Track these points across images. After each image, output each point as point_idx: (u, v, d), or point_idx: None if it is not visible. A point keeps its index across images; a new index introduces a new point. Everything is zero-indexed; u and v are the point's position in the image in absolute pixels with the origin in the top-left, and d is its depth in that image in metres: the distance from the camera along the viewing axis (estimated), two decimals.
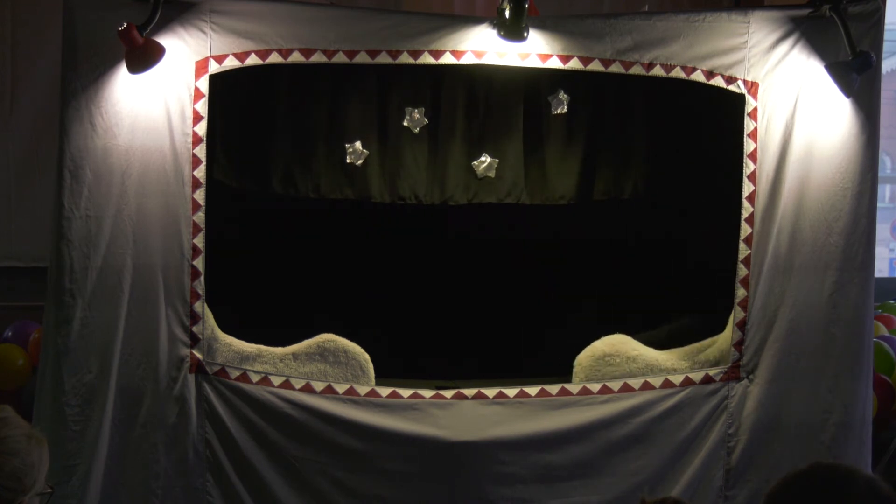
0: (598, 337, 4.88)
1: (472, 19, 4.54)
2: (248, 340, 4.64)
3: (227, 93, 4.67)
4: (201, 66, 4.33)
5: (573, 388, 4.64)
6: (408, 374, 4.89)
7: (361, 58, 4.44)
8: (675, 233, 5.49)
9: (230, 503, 4.44)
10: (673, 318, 5.53)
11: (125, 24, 4.04)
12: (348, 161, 4.91)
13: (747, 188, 4.57)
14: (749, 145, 4.57)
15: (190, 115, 4.32)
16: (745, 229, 4.59)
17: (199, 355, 4.39)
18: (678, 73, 4.55)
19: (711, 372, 4.66)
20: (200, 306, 4.39)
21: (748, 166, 4.57)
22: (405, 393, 4.54)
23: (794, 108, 4.57)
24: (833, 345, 4.62)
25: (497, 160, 4.98)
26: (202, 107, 4.34)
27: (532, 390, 4.60)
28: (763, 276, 4.59)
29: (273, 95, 4.91)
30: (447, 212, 5.13)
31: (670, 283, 5.62)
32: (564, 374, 4.85)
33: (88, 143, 4.25)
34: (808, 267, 4.60)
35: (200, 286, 4.38)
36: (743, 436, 4.64)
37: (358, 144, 4.90)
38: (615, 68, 4.53)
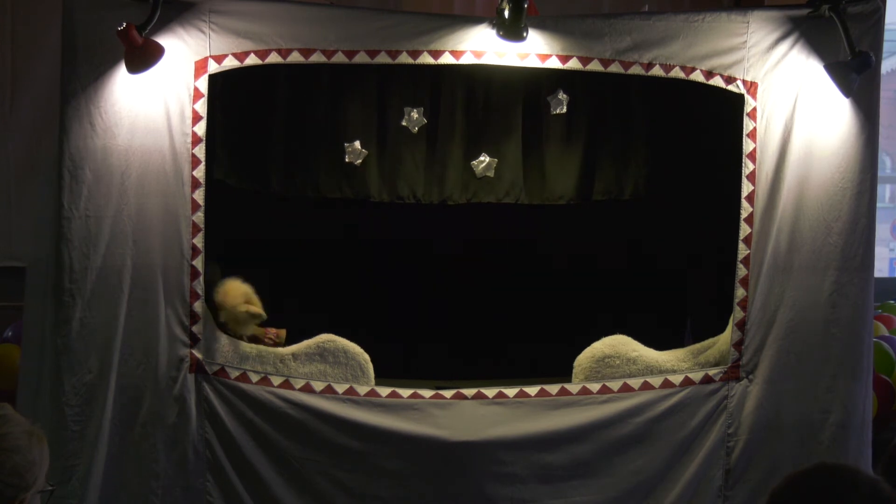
0: (598, 337, 4.88)
1: (472, 19, 4.55)
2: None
3: (226, 93, 4.67)
4: (200, 66, 4.33)
5: (573, 388, 4.64)
6: (408, 374, 4.88)
7: (360, 58, 4.44)
8: (675, 233, 5.50)
9: (230, 503, 4.44)
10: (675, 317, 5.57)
11: (125, 24, 4.04)
12: (347, 161, 4.91)
13: (746, 188, 4.58)
14: (748, 145, 4.57)
15: (189, 115, 4.33)
16: (745, 229, 4.59)
17: (198, 355, 4.39)
18: (677, 73, 4.55)
19: (711, 372, 4.66)
20: (200, 306, 4.40)
21: (747, 166, 4.58)
22: (405, 393, 4.54)
23: (794, 108, 4.57)
24: (833, 345, 4.62)
25: (496, 160, 4.98)
26: (201, 107, 4.35)
27: (532, 390, 4.60)
28: (762, 276, 4.60)
29: (272, 95, 4.91)
30: (446, 211, 5.13)
31: (670, 283, 5.63)
32: (564, 375, 4.85)
33: (88, 144, 4.26)
34: (807, 267, 4.61)
35: (200, 286, 4.38)
36: (742, 436, 4.64)
37: (357, 144, 4.90)
38: (614, 68, 4.54)
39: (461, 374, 5.09)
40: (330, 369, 4.63)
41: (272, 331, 4.75)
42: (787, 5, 4.67)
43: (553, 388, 4.62)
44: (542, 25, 4.50)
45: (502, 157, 4.99)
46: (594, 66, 4.53)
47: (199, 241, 4.36)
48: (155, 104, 4.31)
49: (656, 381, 4.65)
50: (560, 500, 4.58)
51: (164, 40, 4.24)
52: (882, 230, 8.79)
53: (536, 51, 4.50)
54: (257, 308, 4.66)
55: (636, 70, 4.54)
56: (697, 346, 4.91)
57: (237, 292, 4.65)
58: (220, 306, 4.62)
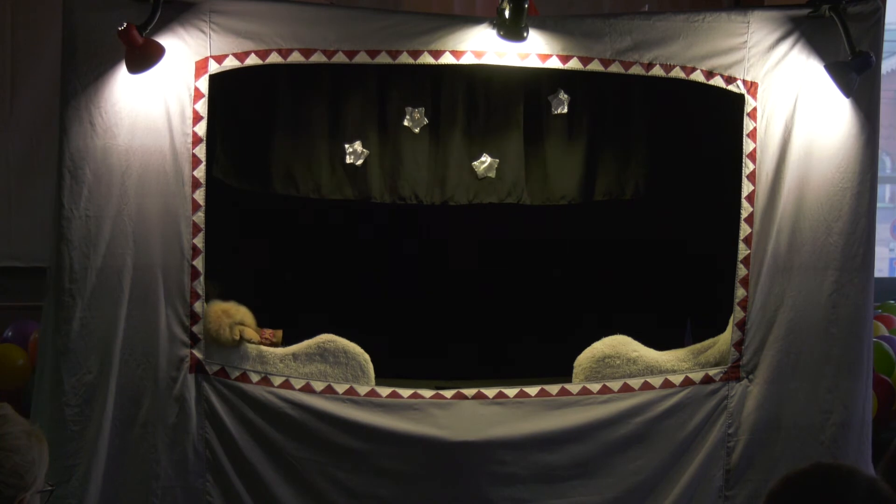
0: (598, 337, 4.88)
1: (472, 19, 4.55)
2: None
3: (227, 93, 4.67)
4: (201, 67, 4.34)
5: (573, 388, 4.64)
6: (408, 374, 4.88)
7: (361, 58, 4.44)
8: (675, 233, 5.50)
9: (230, 503, 4.44)
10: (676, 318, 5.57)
11: (125, 24, 4.04)
12: (348, 161, 4.91)
13: (746, 188, 4.58)
14: (748, 145, 4.57)
15: (190, 115, 4.33)
16: (745, 229, 4.59)
17: (198, 355, 4.39)
18: (678, 73, 4.55)
19: (711, 372, 4.66)
20: (200, 306, 4.40)
21: (747, 166, 4.58)
22: (405, 393, 4.54)
23: (794, 108, 4.57)
24: (833, 345, 4.62)
25: (497, 160, 4.97)
26: (202, 107, 4.35)
27: (532, 390, 4.60)
28: (763, 276, 4.60)
29: (273, 96, 4.91)
30: (448, 212, 5.12)
31: (670, 283, 5.64)
32: (565, 375, 4.85)
33: (88, 143, 4.26)
34: (807, 267, 4.61)
35: (200, 286, 4.38)
36: (743, 436, 4.63)
37: (358, 145, 4.89)
38: (615, 68, 4.54)
39: (461, 374, 5.09)
40: (330, 369, 4.63)
41: (268, 331, 4.74)
42: (787, 5, 4.67)
43: (553, 389, 4.62)
44: (542, 25, 4.50)
45: (504, 158, 4.98)
46: (594, 66, 4.53)
47: (199, 241, 4.36)
48: (155, 104, 4.31)
49: (656, 381, 4.65)
50: (560, 500, 4.58)
51: (164, 40, 4.24)
52: (882, 230, 8.79)
53: (537, 51, 4.50)
54: (250, 332, 4.58)
55: (636, 70, 4.54)
56: (697, 346, 4.91)
57: (219, 318, 4.54)
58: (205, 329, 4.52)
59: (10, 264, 6.78)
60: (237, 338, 4.50)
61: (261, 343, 4.65)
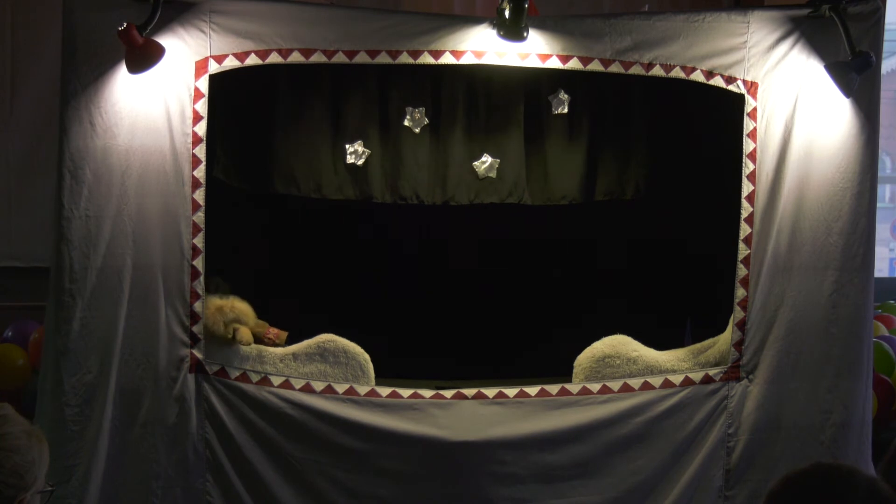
0: (598, 337, 4.88)
1: (472, 19, 4.55)
2: None
3: (227, 93, 4.67)
4: (201, 66, 4.34)
5: (573, 388, 4.64)
6: (408, 374, 4.88)
7: (361, 58, 4.44)
8: (675, 233, 5.50)
9: (230, 503, 4.44)
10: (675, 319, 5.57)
11: (125, 24, 4.04)
12: (349, 161, 4.91)
13: (746, 188, 4.58)
14: (748, 145, 4.57)
15: (190, 115, 4.33)
16: (745, 229, 4.59)
17: (198, 355, 4.39)
18: (678, 73, 4.55)
19: (711, 372, 4.66)
20: (200, 306, 4.40)
21: (747, 166, 4.58)
22: (405, 393, 4.54)
23: (794, 108, 4.57)
24: (833, 345, 4.62)
25: (498, 160, 4.98)
26: (202, 107, 4.35)
27: (532, 390, 4.60)
28: (763, 276, 4.60)
29: (273, 95, 4.91)
30: (448, 212, 5.12)
31: (670, 283, 5.64)
32: (565, 375, 4.85)
33: (88, 143, 4.26)
34: (807, 267, 4.61)
35: (200, 286, 4.38)
36: (743, 436, 4.63)
37: (358, 144, 4.89)
38: (615, 68, 4.54)
39: (461, 374, 5.09)
40: (330, 369, 4.64)
41: (273, 330, 4.74)
42: (787, 5, 4.67)
43: (553, 388, 4.62)
44: (542, 25, 4.50)
45: (504, 158, 4.99)
46: (595, 66, 4.53)
47: (199, 241, 4.36)
48: (155, 104, 4.31)
49: (656, 381, 4.65)
50: (560, 500, 4.58)
51: (164, 40, 4.24)
52: (882, 230, 8.79)
53: (537, 51, 4.50)
54: (244, 332, 4.59)
55: (636, 70, 4.54)
56: (697, 346, 4.91)
57: (213, 316, 4.51)
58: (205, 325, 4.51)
59: (10, 264, 6.79)
60: (230, 336, 4.51)
61: (261, 343, 4.65)
